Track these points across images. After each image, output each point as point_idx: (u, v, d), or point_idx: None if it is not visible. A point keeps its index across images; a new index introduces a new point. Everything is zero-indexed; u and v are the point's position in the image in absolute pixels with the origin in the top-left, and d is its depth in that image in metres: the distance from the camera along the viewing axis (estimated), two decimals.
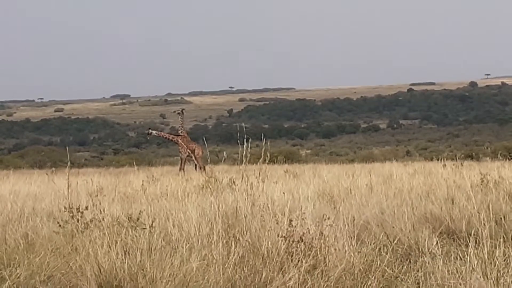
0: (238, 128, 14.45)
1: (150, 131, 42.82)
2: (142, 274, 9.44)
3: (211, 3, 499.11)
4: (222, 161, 39.17)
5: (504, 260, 9.19)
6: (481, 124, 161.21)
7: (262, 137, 14.12)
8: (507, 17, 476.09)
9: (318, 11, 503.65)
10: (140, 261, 9.61)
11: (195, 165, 38.57)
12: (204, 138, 21.47)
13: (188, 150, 39.06)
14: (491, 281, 8.74)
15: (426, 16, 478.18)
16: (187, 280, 9.41)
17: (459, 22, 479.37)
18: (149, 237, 10.67)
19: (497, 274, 8.84)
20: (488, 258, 9.08)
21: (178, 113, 42.10)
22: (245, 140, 13.48)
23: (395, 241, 11.69)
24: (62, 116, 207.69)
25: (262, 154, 13.43)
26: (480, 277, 8.76)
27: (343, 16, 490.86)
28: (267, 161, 13.55)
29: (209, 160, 39.18)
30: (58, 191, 22.02)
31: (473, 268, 8.87)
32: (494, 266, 8.91)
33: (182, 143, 39.45)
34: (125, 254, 9.92)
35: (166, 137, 41.40)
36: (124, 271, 9.54)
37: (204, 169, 36.69)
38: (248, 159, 13.33)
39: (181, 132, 40.54)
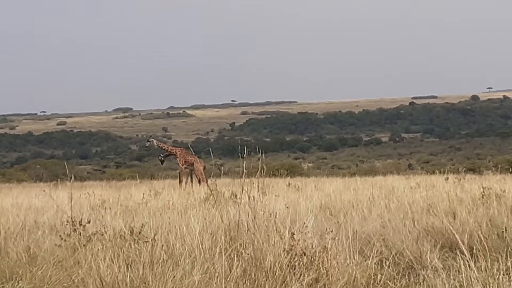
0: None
1: (152, 139, 42.69)
2: (144, 287, 9.46)
3: (213, 17, 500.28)
4: (221, 174, 39.23)
5: (507, 274, 9.20)
6: (483, 138, 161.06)
7: (260, 151, 14.11)
8: (509, 31, 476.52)
9: (319, 24, 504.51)
10: (143, 274, 9.63)
11: (198, 179, 38.43)
12: (210, 150, 21.48)
13: (186, 163, 38.91)
14: None
15: (427, 30, 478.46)
16: None
17: (460, 35, 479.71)
18: (151, 250, 10.68)
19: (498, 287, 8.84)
20: (489, 271, 9.09)
21: (149, 142, 42.37)
22: (245, 153, 13.50)
23: (397, 255, 11.71)
24: (65, 130, 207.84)
25: (264, 167, 13.44)
26: None
27: (344, 29, 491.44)
28: (269, 175, 13.58)
29: (212, 174, 39.14)
30: (60, 204, 22.05)
31: (471, 281, 8.88)
32: (495, 279, 8.91)
33: (180, 155, 39.32)
34: (127, 267, 9.93)
35: (165, 149, 41.20)
36: (126, 284, 9.56)
37: (206, 181, 36.58)
38: (250, 172, 13.34)
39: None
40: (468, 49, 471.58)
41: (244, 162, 13.25)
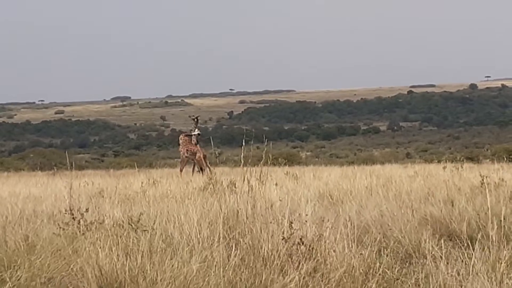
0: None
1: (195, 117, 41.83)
2: (142, 276, 9.46)
3: (212, 5, 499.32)
4: (219, 162, 39.17)
5: (505, 263, 9.20)
6: (481, 126, 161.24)
7: (265, 139, 14.10)
8: (507, 19, 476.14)
9: (318, 13, 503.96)
10: (141, 263, 9.63)
11: (199, 168, 38.38)
12: (211, 138, 21.42)
13: (187, 151, 38.87)
14: (495, 283, 8.75)
15: (425, 18, 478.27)
16: (188, 282, 9.43)
17: (459, 24, 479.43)
18: (150, 239, 10.68)
19: (501, 277, 8.85)
20: (489, 260, 9.09)
21: (193, 119, 41.63)
22: (244, 142, 13.50)
23: (395, 243, 11.71)
24: (63, 118, 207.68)
25: (263, 156, 13.45)
26: (485, 279, 8.78)
27: (342, 18, 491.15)
28: (268, 163, 13.56)
29: (209, 162, 39.06)
30: (59, 193, 22.04)
31: (476, 271, 8.88)
32: (498, 268, 8.92)
33: (183, 143, 39.29)
34: (126, 256, 9.93)
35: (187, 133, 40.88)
36: (125, 273, 9.56)
37: (209, 170, 36.58)
38: (249, 161, 13.34)
39: (194, 132, 39.91)
40: (467, 38, 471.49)
41: (243, 151, 13.24)
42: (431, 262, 9.88)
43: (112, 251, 9.94)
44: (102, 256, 9.82)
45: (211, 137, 22.23)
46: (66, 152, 17.11)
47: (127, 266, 9.59)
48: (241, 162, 13.10)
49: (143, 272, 9.51)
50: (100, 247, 10.13)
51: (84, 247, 10.53)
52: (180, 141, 39.71)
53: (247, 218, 11.32)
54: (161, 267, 9.55)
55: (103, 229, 11.41)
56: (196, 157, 38.48)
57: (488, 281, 8.78)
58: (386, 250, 10.76)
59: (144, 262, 9.65)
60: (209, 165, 38.32)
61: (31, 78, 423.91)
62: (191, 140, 39.41)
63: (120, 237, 10.71)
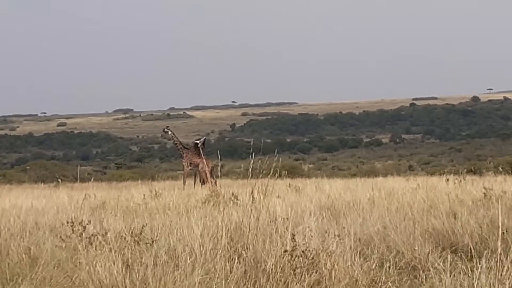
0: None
1: (168, 129, 42.76)
2: None
3: (213, 17, 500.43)
4: (221, 175, 39.17)
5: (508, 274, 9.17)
6: (484, 139, 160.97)
7: (276, 152, 14.09)
8: (509, 32, 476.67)
9: (320, 25, 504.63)
10: (144, 275, 9.61)
11: (202, 180, 38.37)
12: (218, 153, 21.40)
13: (191, 164, 38.94)
14: None
15: (428, 31, 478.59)
16: None
17: (461, 36, 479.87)
18: (152, 252, 10.67)
19: None
20: (492, 273, 9.06)
21: (165, 131, 42.50)
22: (247, 154, 13.50)
23: (398, 256, 11.68)
24: (65, 131, 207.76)
25: (278, 169, 13.41)
26: None
27: (344, 30, 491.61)
28: (270, 176, 13.54)
29: (219, 174, 38.94)
30: (61, 205, 22.03)
31: (475, 282, 8.85)
32: (499, 281, 8.89)
33: (186, 157, 39.36)
34: (127, 268, 9.92)
35: (176, 144, 41.12)
36: (125, 287, 9.54)
37: (215, 182, 36.55)
38: (251, 173, 13.32)
39: (197, 146, 40.20)
40: (469, 50, 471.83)
41: (251, 163, 13.22)
42: (434, 274, 9.85)
43: (113, 264, 9.92)
44: (103, 269, 9.80)
45: (218, 151, 22.22)
46: (79, 167, 17.12)
47: (128, 279, 9.57)
48: (243, 174, 13.11)
49: (145, 284, 9.49)
50: (100, 261, 10.11)
51: (86, 260, 10.51)
52: (184, 155, 39.76)
53: (250, 231, 11.30)
54: (163, 280, 9.53)
55: (105, 242, 11.39)
56: (200, 168, 38.48)
57: None
58: (389, 263, 10.73)
59: (147, 275, 9.63)
60: (214, 177, 38.24)
61: (33, 90, 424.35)
62: (194, 152, 39.46)
63: (122, 249, 10.69)
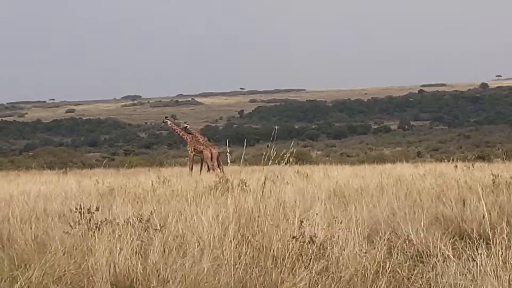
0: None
1: (167, 120, 43.10)
2: (155, 275, 9.46)
3: (222, 4, 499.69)
4: (229, 162, 39.27)
5: None
6: (492, 125, 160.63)
7: (290, 137, 14.07)
8: None
9: (329, 13, 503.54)
10: (155, 262, 9.65)
11: (208, 166, 38.46)
12: (227, 141, 21.43)
13: (195, 150, 39.02)
14: (505, 283, 8.71)
15: (437, 18, 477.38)
16: (198, 281, 9.43)
17: (470, 23, 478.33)
18: (162, 238, 10.69)
19: (510, 276, 8.80)
20: (501, 259, 9.04)
21: (164, 122, 42.88)
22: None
23: (406, 242, 11.67)
24: (73, 117, 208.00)
25: (291, 158, 13.37)
26: (494, 279, 8.73)
27: (354, 17, 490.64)
28: (283, 162, 13.48)
29: (227, 160, 39.05)
30: (70, 191, 22.08)
31: (483, 269, 8.84)
32: (508, 268, 8.87)
33: (190, 142, 39.46)
34: (136, 254, 9.94)
35: (177, 132, 41.25)
36: (137, 272, 9.57)
37: (221, 169, 36.61)
38: (258, 160, 13.32)
39: (196, 133, 40.49)
40: (477, 36, 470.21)
41: (263, 150, 13.19)
42: (442, 261, 9.84)
43: (124, 250, 9.96)
44: (115, 254, 9.85)
45: (227, 140, 22.26)
46: (79, 150, 17.10)
47: (139, 265, 9.61)
48: (251, 161, 13.10)
49: (157, 271, 9.52)
50: (113, 246, 10.15)
51: (94, 246, 10.54)
52: (188, 140, 39.92)
53: (258, 217, 11.30)
54: (173, 266, 9.56)
55: (116, 227, 11.41)
56: (204, 155, 38.56)
57: (497, 281, 8.74)
58: (397, 249, 10.72)
59: (158, 261, 9.67)
60: (221, 164, 38.32)
61: (41, 77, 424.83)
62: (198, 138, 39.58)
63: (132, 236, 10.71)
